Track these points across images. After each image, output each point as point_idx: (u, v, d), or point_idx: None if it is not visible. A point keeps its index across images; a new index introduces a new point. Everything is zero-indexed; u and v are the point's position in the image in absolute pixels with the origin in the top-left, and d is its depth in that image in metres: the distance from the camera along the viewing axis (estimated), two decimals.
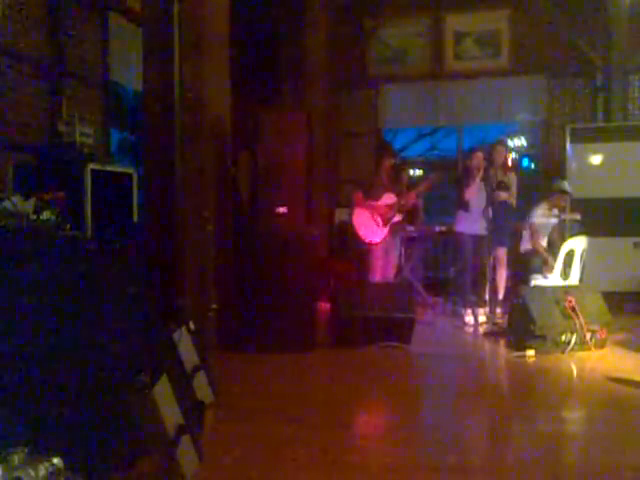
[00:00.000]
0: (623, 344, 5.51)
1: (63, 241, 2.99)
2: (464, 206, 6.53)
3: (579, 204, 7.20)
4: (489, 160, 6.52)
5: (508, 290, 6.64)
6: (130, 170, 5.94)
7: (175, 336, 3.47)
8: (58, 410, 2.53)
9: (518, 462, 3.18)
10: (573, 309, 5.23)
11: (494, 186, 6.43)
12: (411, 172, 12.02)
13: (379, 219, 6.49)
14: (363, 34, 9.45)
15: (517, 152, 10.47)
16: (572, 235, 6.77)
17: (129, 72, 7.07)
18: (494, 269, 6.64)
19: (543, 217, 6.73)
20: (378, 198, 6.50)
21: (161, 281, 4.92)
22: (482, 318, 6.45)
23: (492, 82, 9.10)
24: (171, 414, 2.67)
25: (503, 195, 6.52)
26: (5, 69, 5.45)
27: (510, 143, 9.89)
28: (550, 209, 6.75)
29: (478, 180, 6.40)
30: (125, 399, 2.57)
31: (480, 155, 6.44)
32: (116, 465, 2.57)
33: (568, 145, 7.97)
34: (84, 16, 6.53)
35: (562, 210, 6.89)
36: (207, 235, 5.23)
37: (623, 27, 8.22)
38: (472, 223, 6.50)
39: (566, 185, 6.85)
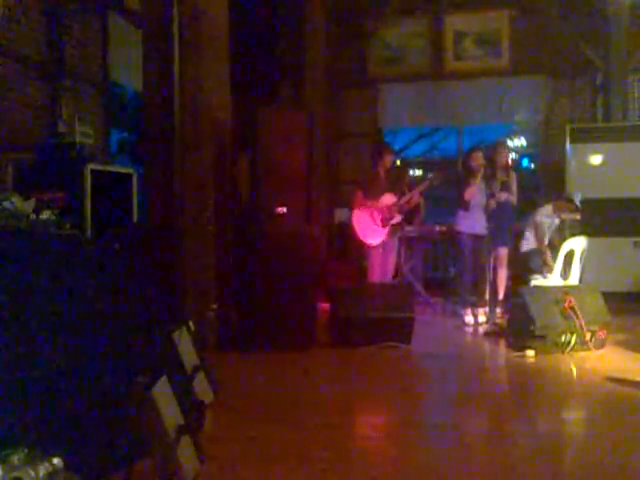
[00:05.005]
0: (623, 344, 5.51)
1: (63, 241, 2.98)
2: (464, 205, 6.53)
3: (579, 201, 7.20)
4: (490, 161, 6.52)
5: (508, 290, 6.64)
6: (130, 170, 5.94)
7: (175, 336, 3.46)
8: (58, 410, 2.52)
9: (518, 462, 3.18)
10: (573, 309, 5.22)
11: (497, 188, 6.42)
12: (411, 172, 12.03)
13: (378, 220, 6.49)
14: (363, 34, 9.44)
15: (517, 152, 10.47)
16: (572, 235, 6.77)
17: (129, 72, 7.07)
18: (494, 269, 6.64)
19: (547, 217, 6.74)
20: (378, 198, 6.50)
21: (161, 281, 4.92)
22: (482, 318, 6.45)
23: (492, 82, 9.10)
24: (171, 414, 2.67)
25: (503, 196, 6.52)
26: (5, 69, 5.45)
27: (510, 143, 9.89)
28: (555, 212, 6.76)
29: (478, 179, 6.40)
30: (125, 399, 2.57)
31: (480, 155, 6.45)
32: (116, 465, 2.57)
33: (568, 145, 7.97)
34: (84, 16, 6.53)
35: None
36: (207, 235, 5.23)
37: (623, 27, 8.22)
38: (472, 222, 6.50)
39: (578, 199, 6.88)
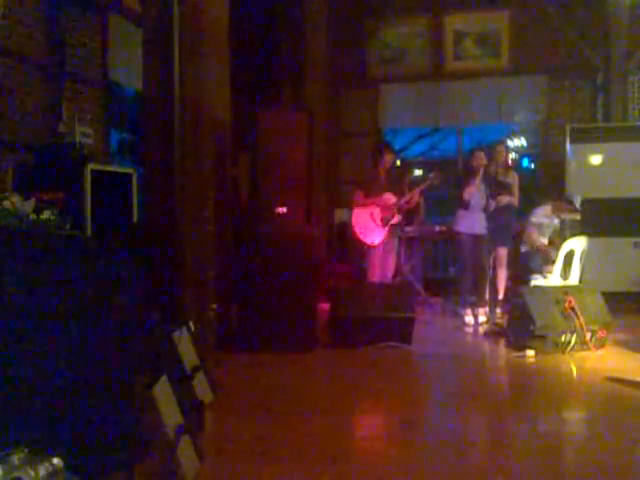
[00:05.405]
0: (623, 344, 5.51)
1: (63, 241, 2.98)
2: (464, 205, 6.53)
3: (579, 204, 7.21)
4: (490, 161, 6.52)
5: (508, 290, 6.64)
6: (130, 170, 5.94)
7: (175, 336, 3.47)
8: (58, 410, 2.52)
9: (518, 462, 3.18)
10: (573, 309, 5.23)
11: (493, 188, 6.43)
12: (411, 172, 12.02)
13: (378, 220, 6.49)
14: (363, 34, 9.44)
15: (517, 152, 10.46)
16: (572, 235, 6.77)
17: (129, 72, 7.06)
18: (494, 269, 6.64)
19: (545, 217, 6.74)
20: (378, 198, 6.50)
21: (161, 281, 4.92)
22: (482, 318, 6.45)
23: (492, 82, 9.10)
24: (171, 414, 2.67)
25: (505, 199, 6.51)
26: (5, 69, 5.45)
27: (510, 143, 9.88)
28: (554, 212, 6.76)
29: (478, 180, 6.39)
30: (125, 399, 2.57)
31: (482, 154, 6.44)
32: (116, 465, 2.57)
33: (568, 145, 7.97)
34: (84, 16, 6.53)
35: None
36: (207, 235, 5.23)
37: (623, 27, 8.22)
38: (472, 222, 6.50)
39: (577, 202, 6.90)
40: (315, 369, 5.02)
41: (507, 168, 6.78)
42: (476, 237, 6.49)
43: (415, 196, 6.68)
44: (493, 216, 6.47)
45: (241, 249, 5.63)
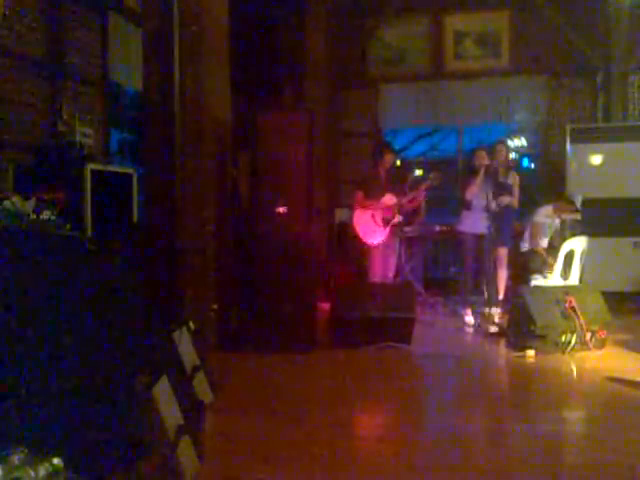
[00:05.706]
0: (623, 344, 5.51)
1: (63, 241, 2.98)
2: (466, 205, 6.52)
3: (580, 204, 7.21)
4: (490, 159, 6.51)
5: (508, 290, 6.64)
6: (130, 170, 5.94)
7: (175, 336, 3.47)
8: (58, 410, 2.52)
9: (518, 462, 3.18)
10: (573, 309, 5.23)
11: (494, 189, 6.42)
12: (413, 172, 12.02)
13: (379, 220, 6.49)
14: (363, 34, 9.44)
15: (517, 152, 10.46)
16: (572, 235, 6.76)
17: (129, 72, 7.07)
18: (494, 269, 6.63)
19: (546, 218, 6.73)
20: (379, 199, 6.50)
21: (161, 281, 4.92)
22: (483, 317, 6.44)
23: (492, 82, 9.10)
24: (171, 414, 2.67)
25: (506, 200, 6.51)
26: (5, 69, 5.45)
27: (510, 143, 9.88)
28: (555, 212, 6.76)
29: (480, 179, 6.38)
30: (125, 399, 2.57)
31: (484, 154, 6.43)
32: (116, 465, 2.57)
33: (568, 145, 7.96)
34: (84, 16, 6.53)
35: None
36: (207, 235, 5.23)
37: (623, 27, 8.22)
38: (474, 222, 6.48)
39: (578, 202, 6.91)
40: (315, 369, 5.01)
41: (507, 168, 6.77)
42: (478, 237, 6.48)
43: (418, 197, 6.69)
44: (493, 216, 6.46)
45: (241, 249, 5.63)
